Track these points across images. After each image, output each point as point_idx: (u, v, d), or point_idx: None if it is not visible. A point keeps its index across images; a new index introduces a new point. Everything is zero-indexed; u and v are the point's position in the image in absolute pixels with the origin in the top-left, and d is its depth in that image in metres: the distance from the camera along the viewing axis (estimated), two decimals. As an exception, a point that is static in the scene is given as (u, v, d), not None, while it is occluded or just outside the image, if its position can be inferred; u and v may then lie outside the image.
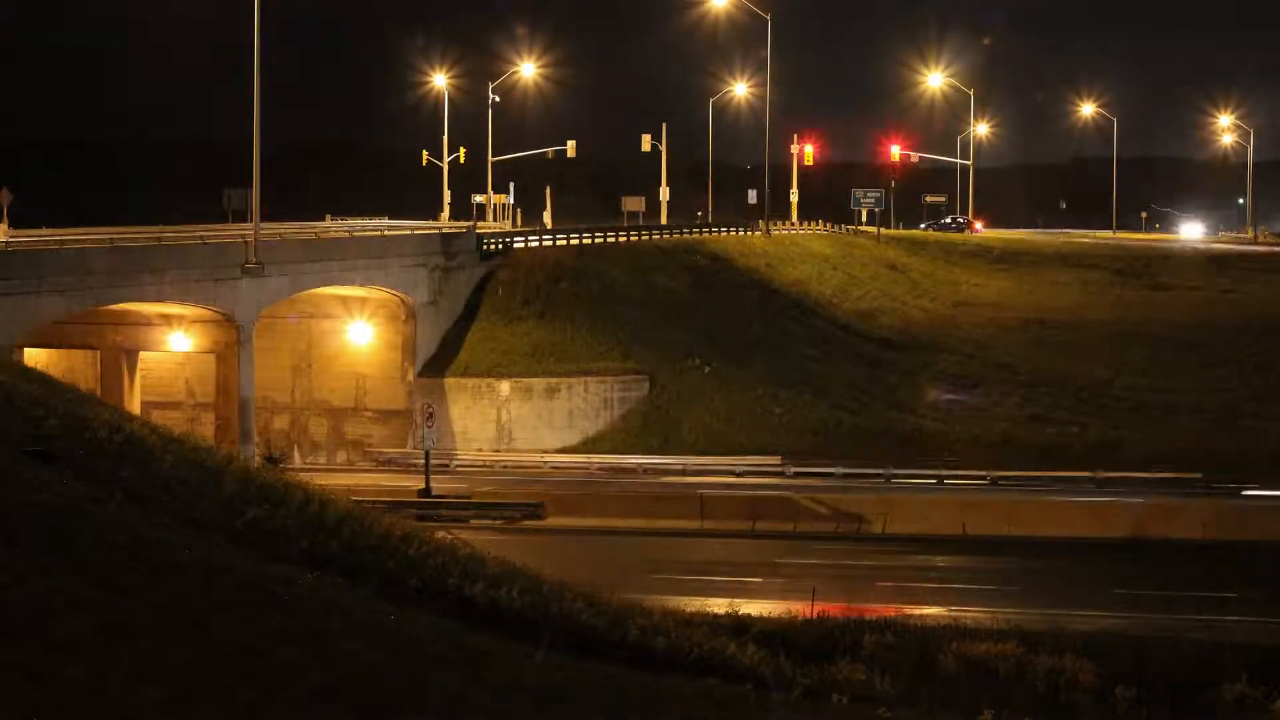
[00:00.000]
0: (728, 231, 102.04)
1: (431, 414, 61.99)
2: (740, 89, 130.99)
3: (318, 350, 71.56)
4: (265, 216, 65.80)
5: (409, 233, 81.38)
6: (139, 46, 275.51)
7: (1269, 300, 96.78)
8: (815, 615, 33.40)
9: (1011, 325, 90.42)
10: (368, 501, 38.93)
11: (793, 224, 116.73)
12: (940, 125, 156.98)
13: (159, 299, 59.53)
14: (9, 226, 65.80)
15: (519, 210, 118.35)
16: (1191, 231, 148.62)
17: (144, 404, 63.84)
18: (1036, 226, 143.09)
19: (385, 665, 16.07)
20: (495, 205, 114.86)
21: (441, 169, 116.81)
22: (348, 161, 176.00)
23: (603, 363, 71.14)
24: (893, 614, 37.01)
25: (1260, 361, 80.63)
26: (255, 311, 62.59)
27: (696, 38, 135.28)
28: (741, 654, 23.51)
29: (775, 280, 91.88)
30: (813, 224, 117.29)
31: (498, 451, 68.61)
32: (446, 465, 65.01)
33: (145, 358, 65.11)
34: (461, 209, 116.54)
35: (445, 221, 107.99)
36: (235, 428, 60.42)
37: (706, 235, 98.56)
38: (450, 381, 70.44)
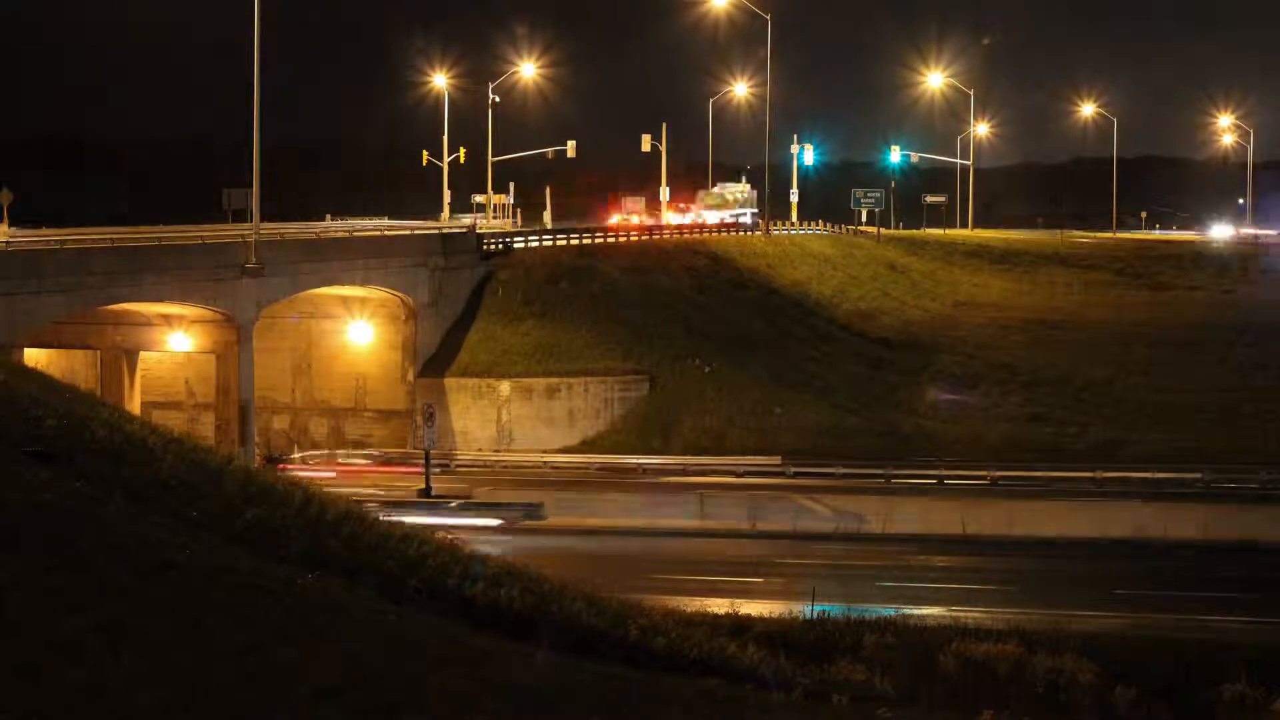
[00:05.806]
0: (728, 232, 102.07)
1: (432, 414, 61.96)
2: (740, 89, 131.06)
3: (318, 350, 71.58)
4: (265, 216, 65.78)
5: (409, 233, 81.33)
6: (139, 46, 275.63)
7: (1269, 300, 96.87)
8: (815, 615, 33.37)
9: (1012, 325, 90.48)
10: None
11: (793, 224, 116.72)
12: (940, 125, 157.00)
13: (159, 299, 59.50)
14: (9, 226, 65.79)
15: (519, 210, 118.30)
16: (1222, 232, 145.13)
17: (144, 404, 63.83)
18: (1036, 226, 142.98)
19: (385, 665, 16.06)
20: (495, 205, 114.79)
21: (441, 169, 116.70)
22: (348, 161, 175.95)
23: (603, 363, 71.10)
24: (893, 614, 36.99)
25: (1260, 361, 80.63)
26: (255, 311, 62.55)
27: (696, 38, 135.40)
28: (742, 654, 23.52)
29: (775, 280, 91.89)
30: (813, 224, 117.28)
31: (498, 451, 68.61)
32: (447, 465, 64.98)
33: (145, 358, 65.11)
34: (462, 209, 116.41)
35: (445, 221, 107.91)
36: (235, 428, 60.40)
37: (706, 235, 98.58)
38: (450, 381, 70.43)
